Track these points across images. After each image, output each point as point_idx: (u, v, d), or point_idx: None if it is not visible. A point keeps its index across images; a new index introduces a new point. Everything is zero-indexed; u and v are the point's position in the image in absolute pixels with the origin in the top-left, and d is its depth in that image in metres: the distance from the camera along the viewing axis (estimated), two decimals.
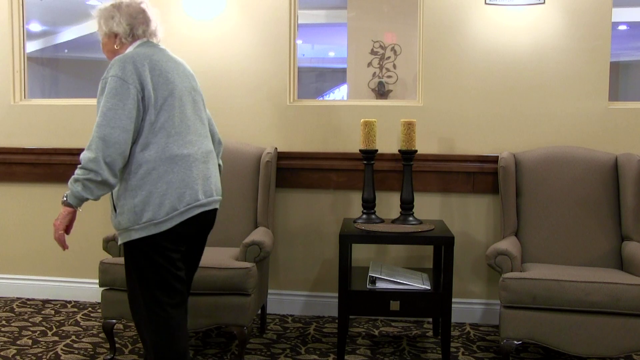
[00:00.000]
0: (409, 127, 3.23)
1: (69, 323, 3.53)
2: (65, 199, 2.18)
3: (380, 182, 3.51)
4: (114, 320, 3.00)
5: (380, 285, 2.98)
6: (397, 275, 3.07)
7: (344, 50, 6.13)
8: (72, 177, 2.15)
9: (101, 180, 2.11)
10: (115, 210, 2.23)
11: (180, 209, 2.20)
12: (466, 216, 3.57)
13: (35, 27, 8.12)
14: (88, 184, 2.13)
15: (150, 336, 2.26)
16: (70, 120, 3.85)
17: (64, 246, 2.25)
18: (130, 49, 2.33)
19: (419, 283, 3.01)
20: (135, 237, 2.18)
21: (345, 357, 3.05)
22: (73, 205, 2.19)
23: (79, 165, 2.14)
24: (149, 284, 2.24)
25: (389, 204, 3.54)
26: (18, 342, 3.22)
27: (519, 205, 3.30)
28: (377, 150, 3.27)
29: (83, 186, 2.13)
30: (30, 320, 3.56)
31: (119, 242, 2.25)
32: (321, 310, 3.70)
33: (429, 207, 3.57)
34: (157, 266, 2.23)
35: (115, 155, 2.11)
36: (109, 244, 3.09)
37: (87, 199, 2.16)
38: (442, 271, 2.98)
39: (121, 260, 2.92)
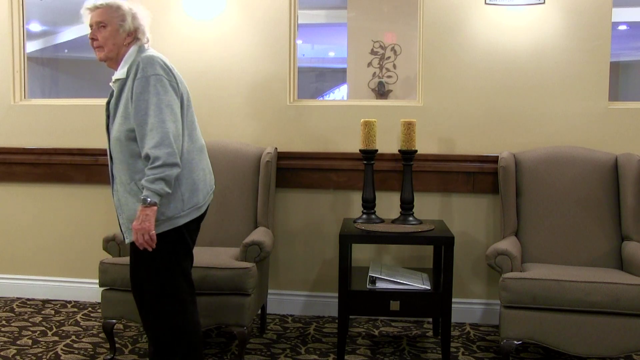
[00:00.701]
0: (409, 127, 3.23)
1: (69, 323, 3.53)
2: (148, 200, 2.22)
3: (380, 182, 3.51)
4: (114, 320, 3.00)
5: (380, 285, 2.98)
6: (397, 275, 3.07)
7: (344, 50, 6.12)
8: (151, 177, 2.21)
9: (178, 172, 2.27)
10: (137, 200, 2.29)
11: (210, 192, 2.48)
12: (466, 216, 3.57)
13: (35, 27, 8.12)
14: (169, 179, 2.24)
15: (160, 325, 2.39)
16: (70, 120, 3.85)
17: (153, 246, 2.29)
18: (133, 49, 2.39)
19: (419, 283, 3.01)
20: (181, 223, 2.34)
21: (345, 357, 3.05)
22: (157, 203, 2.25)
23: (155, 164, 2.21)
24: (176, 271, 2.38)
25: (389, 204, 3.54)
26: (18, 342, 3.22)
27: (519, 205, 3.30)
28: (377, 150, 3.27)
29: (165, 182, 2.23)
30: (30, 320, 3.56)
31: (159, 232, 2.28)
32: (321, 310, 3.70)
33: (429, 207, 3.57)
34: (187, 251, 2.43)
35: (180, 148, 2.29)
36: (109, 244, 3.09)
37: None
38: (442, 271, 2.98)
39: (121, 260, 2.93)
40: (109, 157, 2.42)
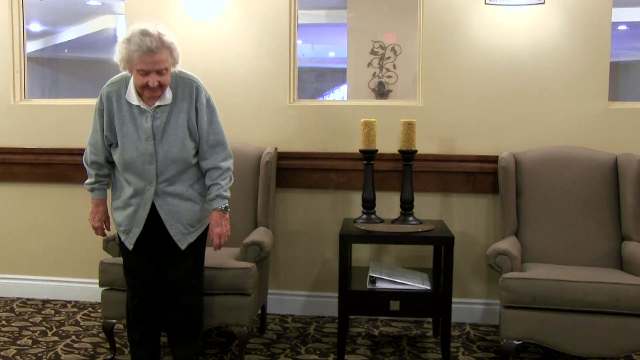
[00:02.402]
0: (409, 127, 3.23)
1: (69, 323, 3.53)
2: (226, 205, 2.65)
3: (380, 182, 3.51)
4: (114, 320, 3.00)
5: (380, 285, 2.98)
6: (397, 275, 3.07)
7: (344, 50, 6.12)
8: (226, 187, 2.64)
9: None
10: (195, 202, 2.65)
11: None
12: (466, 216, 3.57)
13: (35, 27, 8.12)
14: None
15: (201, 317, 2.81)
16: (70, 120, 3.85)
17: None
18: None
19: (419, 283, 3.01)
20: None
21: (345, 357, 3.05)
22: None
23: (226, 175, 2.64)
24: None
25: (389, 204, 3.54)
26: (18, 342, 3.22)
27: (519, 205, 3.30)
28: (377, 150, 3.27)
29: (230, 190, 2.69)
30: (30, 320, 3.56)
31: (203, 229, 2.70)
32: (321, 310, 3.70)
33: (429, 207, 3.57)
34: None
35: None
36: (109, 244, 3.09)
37: None
38: (442, 271, 2.98)
39: (121, 260, 2.92)
40: (147, 169, 2.55)
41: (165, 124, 2.53)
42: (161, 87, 2.47)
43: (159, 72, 2.42)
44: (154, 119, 2.53)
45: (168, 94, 2.53)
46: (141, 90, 2.48)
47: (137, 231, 2.62)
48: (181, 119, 2.55)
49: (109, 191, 2.75)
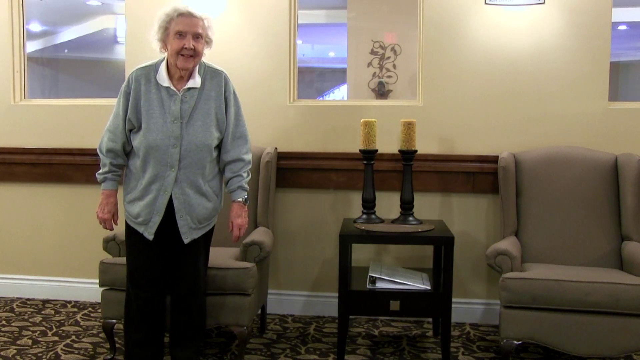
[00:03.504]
0: (409, 127, 3.23)
1: (69, 323, 3.53)
2: (247, 197, 2.73)
3: (380, 182, 3.50)
4: (114, 320, 3.00)
5: (380, 285, 2.98)
6: (397, 275, 3.07)
7: (344, 50, 6.12)
8: (246, 179, 2.72)
9: None
10: (209, 199, 2.67)
11: None
12: (466, 216, 3.57)
13: (35, 27, 8.11)
14: None
15: (204, 318, 2.81)
16: (70, 120, 3.85)
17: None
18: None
19: (419, 283, 3.01)
20: None
21: (345, 357, 3.05)
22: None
23: (248, 169, 2.72)
24: None
25: (389, 204, 3.54)
26: (18, 342, 3.22)
27: (519, 205, 3.30)
28: (377, 150, 3.27)
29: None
30: (30, 320, 3.56)
31: (209, 228, 2.73)
32: (321, 310, 3.70)
33: (429, 207, 3.57)
34: None
35: None
36: (109, 244, 3.09)
37: None
38: (442, 271, 2.98)
39: (120, 260, 2.92)
40: (170, 152, 2.57)
41: (193, 108, 2.58)
42: (195, 56, 2.53)
43: (195, 37, 2.52)
44: (182, 102, 2.57)
45: (198, 78, 2.60)
46: (175, 59, 2.52)
47: (157, 219, 2.60)
48: (209, 105, 2.61)
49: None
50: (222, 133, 2.66)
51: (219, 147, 2.69)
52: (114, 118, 2.65)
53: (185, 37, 2.50)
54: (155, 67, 2.61)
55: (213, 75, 2.64)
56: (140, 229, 2.63)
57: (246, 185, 2.72)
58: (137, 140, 2.60)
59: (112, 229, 2.80)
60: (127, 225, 2.69)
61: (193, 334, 2.76)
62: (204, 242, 2.74)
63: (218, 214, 2.76)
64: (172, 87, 2.57)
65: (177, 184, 2.59)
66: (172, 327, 2.78)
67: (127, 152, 2.69)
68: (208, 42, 2.62)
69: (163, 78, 2.57)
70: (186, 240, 2.63)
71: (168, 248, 2.67)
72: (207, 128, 2.59)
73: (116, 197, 2.73)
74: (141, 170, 2.61)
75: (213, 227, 2.76)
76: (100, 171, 2.70)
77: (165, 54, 2.60)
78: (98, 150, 2.71)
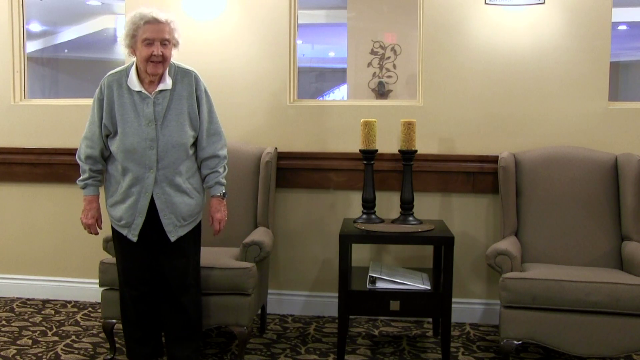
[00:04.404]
0: (409, 127, 3.23)
1: (69, 323, 3.53)
2: (224, 192, 2.78)
3: (380, 182, 3.50)
4: (114, 320, 3.00)
5: (380, 285, 2.98)
6: (397, 275, 3.07)
7: (344, 50, 6.12)
8: (223, 174, 2.76)
9: None
10: (190, 196, 2.70)
11: None
12: (466, 216, 3.57)
13: (35, 27, 8.11)
14: None
15: (200, 317, 2.80)
16: (70, 120, 3.85)
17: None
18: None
19: (419, 283, 3.01)
20: None
21: (345, 357, 3.05)
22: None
23: (224, 163, 2.76)
24: None
25: (389, 204, 3.54)
26: (18, 342, 3.22)
27: (519, 205, 3.30)
28: (377, 150, 3.27)
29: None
30: (30, 320, 3.56)
31: (195, 224, 2.74)
32: (321, 310, 3.70)
33: (429, 207, 3.57)
34: None
35: None
36: (108, 244, 3.09)
37: None
38: (442, 271, 2.98)
39: None
40: (147, 154, 2.61)
41: (166, 109, 2.62)
42: (164, 62, 2.57)
43: (163, 44, 2.55)
44: (155, 104, 2.61)
45: (168, 80, 2.63)
46: (145, 65, 2.56)
47: (140, 221, 2.65)
48: (182, 105, 2.64)
49: (101, 190, 2.78)
50: (196, 131, 2.70)
51: (195, 145, 2.73)
52: (90, 125, 2.70)
53: (153, 44, 2.53)
54: (126, 72, 2.65)
55: (183, 75, 2.67)
56: (124, 232, 2.68)
57: (223, 180, 2.77)
58: (114, 145, 2.65)
59: (97, 234, 2.85)
60: (112, 227, 2.75)
61: (189, 332, 2.76)
62: (193, 238, 2.76)
63: (202, 209, 2.79)
64: (144, 91, 2.61)
65: (157, 184, 2.63)
66: (166, 326, 2.78)
67: (106, 157, 2.73)
68: (175, 45, 2.64)
69: (134, 83, 2.61)
70: (173, 238, 2.67)
71: (154, 247, 2.71)
72: (182, 128, 2.63)
73: (98, 202, 2.78)
74: (121, 174, 2.66)
75: (200, 223, 2.79)
76: (81, 178, 2.75)
77: (134, 59, 2.64)
78: (77, 158, 2.77)
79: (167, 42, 2.56)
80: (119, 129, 2.62)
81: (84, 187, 2.76)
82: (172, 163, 2.64)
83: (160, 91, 2.62)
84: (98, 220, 2.80)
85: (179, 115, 2.63)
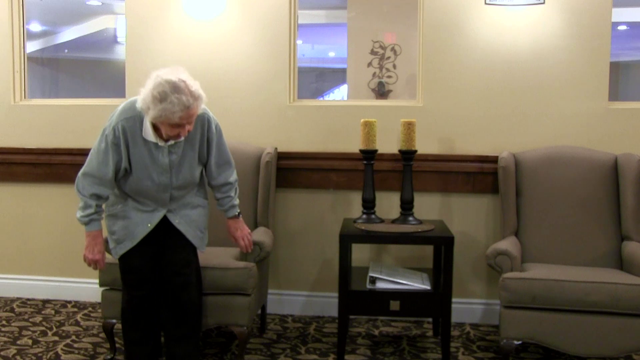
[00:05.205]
0: (409, 127, 3.23)
1: (69, 323, 3.53)
2: (239, 212, 2.89)
3: (380, 182, 3.51)
4: (114, 320, 3.00)
5: (380, 285, 2.98)
6: (397, 275, 3.07)
7: (344, 50, 6.12)
8: (235, 196, 2.86)
9: None
10: (202, 206, 2.83)
11: None
12: (466, 216, 3.57)
13: (35, 27, 8.11)
14: None
15: (199, 315, 2.82)
16: (70, 120, 3.85)
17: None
18: None
19: (419, 283, 3.01)
20: None
21: (345, 357, 3.05)
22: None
23: (235, 186, 2.86)
24: None
25: (389, 204, 3.54)
26: (18, 342, 3.22)
27: (519, 205, 3.30)
28: (377, 150, 3.27)
29: None
30: (30, 320, 3.56)
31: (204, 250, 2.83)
32: (321, 310, 3.70)
33: (429, 207, 3.57)
34: None
35: None
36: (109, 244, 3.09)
37: None
38: (442, 271, 2.98)
39: None
40: (161, 196, 2.67)
41: (181, 157, 2.64)
42: (188, 132, 2.56)
43: (190, 123, 2.50)
44: (171, 153, 2.61)
45: (209, 120, 2.71)
46: (167, 137, 2.53)
47: (128, 245, 2.68)
48: (194, 149, 2.68)
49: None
50: (203, 162, 2.77)
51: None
52: (100, 165, 2.59)
53: (182, 127, 2.47)
54: (140, 119, 2.54)
55: (195, 119, 2.60)
56: (111, 245, 2.73)
57: (236, 202, 2.87)
58: (127, 186, 2.66)
59: (104, 269, 2.83)
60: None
61: (189, 331, 2.75)
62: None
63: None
64: (160, 143, 2.57)
65: (171, 213, 2.72)
66: (166, 325, 2.77)
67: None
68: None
69: (149, 134, 2.55)
70: (203, 250, 2.81)
71: (159, 244, 2.73)
72: (194, 170, 2.71)
73: (102, 236, 2.74)
74: (130, 198, 2.70)
75: None
76: (84, 213, 2.66)
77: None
78: (78, 192, 2.66)
79: (194, 119, 2.53)
80: (132, 172, 2.61)
81: (87, 223, 2.67)
82: (184, 196, 2.74)
83: (177, 142, 2.60)
84: (104, 254, 2.75)
85: (192, 160, 2.68)
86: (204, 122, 2.66)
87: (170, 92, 2.38)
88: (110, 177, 2.59)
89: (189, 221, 2.74)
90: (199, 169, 2.75)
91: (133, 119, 2.54)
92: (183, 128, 2.47)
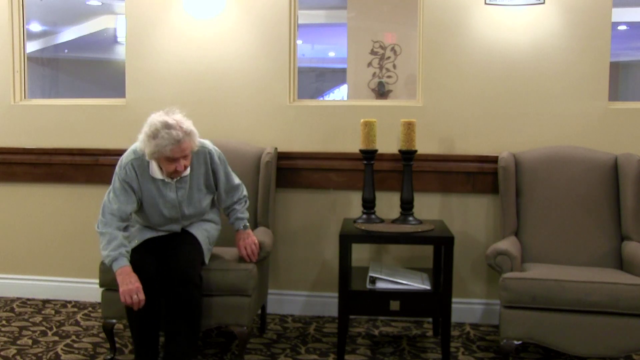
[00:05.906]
0: (409, 127, 3.23)
1: (69, 323, 3.53)
2: (246, 224, 3.00)
3: (380, 182, 3.50)
4: (114, 320, 3.00)
5: (380, 285, 2.98)
6: (397, 275, 3.07)
7: (344, 50, 6.11)
8: (242, 209, 3.00)
9: None
10: (214, 222, 3.06)
11: None
12: (466, 216, 3.57)
13: (35, 27, 8.10)
14: None
15: (198, 314, 2.82)
16: (70, 120, 3.85)
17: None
18: None
19: (419, 283, 3.01)
20: None
21: (345, 357, 3.05)
22: None
23: (243, 201, 3.03)
24: None
25: (389, 204, 3.54)
26: (18, 342, 3.22)
27: (519, 205, 3.30)
28: (377, 150, 3.27)
29: None
30: (30, 320, 3.56)
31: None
32: (321, 310, 3.70)
33: (429, 207, 3.57)
34: None
35: None
36: None
37: None
38: (442, 271, 2.98)
39: None
40: (172, 226, 2.90)
41: (188, 191, 2.84)
42: (186, 167, 2.74)
43: (185, 157, 2.69)
44: (178, 189, 2.82)
45: (213, 152, 2.89)
46: (169, 175, 2.74)
47: (135, 243, 2.81)
48: (200, 183, 2.87)
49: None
50: (213, 192, 2.96)
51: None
52: (122, 205, 2.74)
53: (177, 161, 2.67)
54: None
55: (198, 153, 2.82)
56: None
57: (242, 215, 3.01)
58: (140, 219, 2.91)
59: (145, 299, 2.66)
60: None
61: (187, 329, 2.72)
62: (198, 238, 2.92)
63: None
64: (167, 179, 2.78)
65: (182, 230, 2.93)
66: (165, 323, 2.76)
67: None
68: (195, 146, 2.75)
69: (156, 172, 2.77)
70: (207, 261, 2.91)
71: (167, 246, 2.79)
72: (202, 201, 2.90)
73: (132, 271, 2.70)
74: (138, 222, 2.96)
75: None
76: (111, 247, 2.66)
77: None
78: (100, 231, 2.72)
79: (188, 154, 2.71)
80: (144, 208, 2.84)
81: (116, 258, 2.65)
82: (202, 218, 2.97)
83: (183, 177, 2.80)
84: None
85: (199, 192, 2.87)
86: (206, 155, 2.85)
87: (161, 128, 2.61)
88: (130, 212, 2.77)
89: (202, 228, 2.92)
90: (209, 199, 2.94)
91: (141, 159, 2.76)
92: (178, 162, 2.67)
